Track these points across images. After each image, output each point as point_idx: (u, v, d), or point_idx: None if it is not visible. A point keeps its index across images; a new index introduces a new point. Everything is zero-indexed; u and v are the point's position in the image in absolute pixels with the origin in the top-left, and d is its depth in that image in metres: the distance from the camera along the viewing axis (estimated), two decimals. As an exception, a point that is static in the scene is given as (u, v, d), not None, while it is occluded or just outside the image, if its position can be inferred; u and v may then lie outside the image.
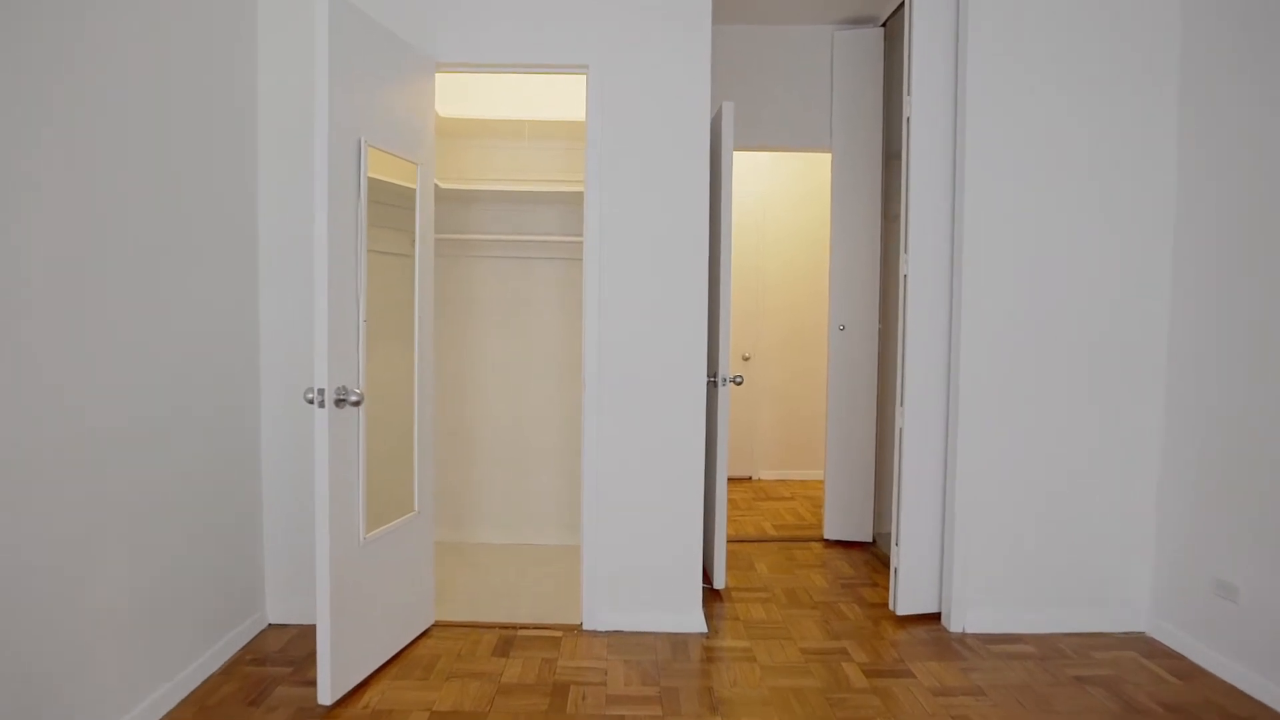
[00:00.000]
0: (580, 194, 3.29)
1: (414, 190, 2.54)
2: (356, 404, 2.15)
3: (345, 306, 2.16)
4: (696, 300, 2.78)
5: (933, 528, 2.91)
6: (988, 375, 2.76)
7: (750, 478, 5.53)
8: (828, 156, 4.17)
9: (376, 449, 2.35)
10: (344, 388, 2.14)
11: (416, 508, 2.57)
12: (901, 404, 2.90)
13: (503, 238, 3.61)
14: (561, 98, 3.63)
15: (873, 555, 3.75)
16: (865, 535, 3.94)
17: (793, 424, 5.56)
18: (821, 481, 5.43)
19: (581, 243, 2.83)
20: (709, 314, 2.85)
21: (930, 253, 2.84)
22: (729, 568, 3.49)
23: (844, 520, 3.94)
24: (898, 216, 4.01)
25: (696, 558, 2.84)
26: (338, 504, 2.13)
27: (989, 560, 2.80)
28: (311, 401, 2.07)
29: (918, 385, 2.86)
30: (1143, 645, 2.71)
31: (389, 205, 2.48)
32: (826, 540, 4.00)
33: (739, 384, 3.11)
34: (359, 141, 2.19)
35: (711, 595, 3.15)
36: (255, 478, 2.63)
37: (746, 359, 5.47)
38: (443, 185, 3.38)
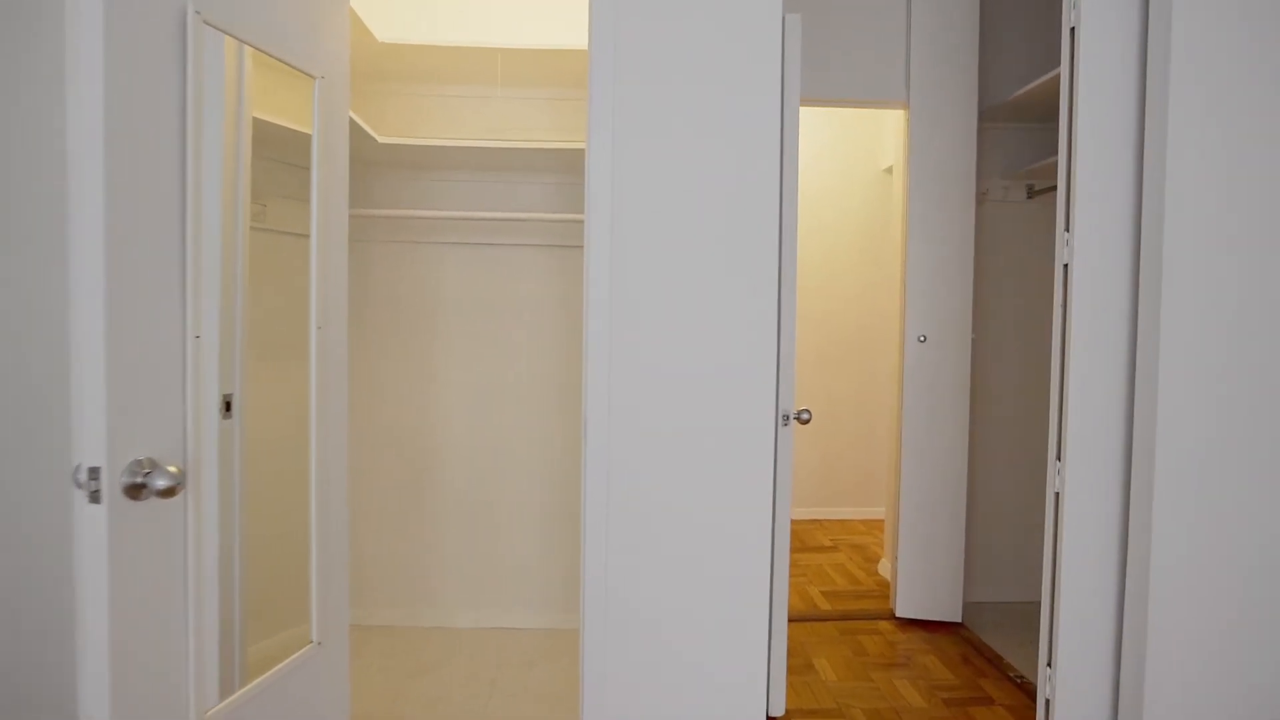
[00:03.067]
0: (579, 153, 2.33)
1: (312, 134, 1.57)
2: (168, 493, 1.16)
3: (154, 312, 1.18)
4: (763, 305, 1.82)
5: (1101, 639, 1.96)
6: (1194, 422, 1.81)
7: (779, 518, 4.58)
8: (895, 114, 3.22)
9: (249, 541, 1.39)
10: (149, 460, 1.16)
11: (316, 638, 1.59)
12: (1059, 458, 1.95)
13: (473, 215, 2.63)
14: (550, 18, 2.66)
15: (966, 644, 2.80)
16: (952, 613, 2.98)
17: (828, 454, 4.60)
18: (867, 523, 4.56)
19: (581, 222, 1.88)
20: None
21: (1106, 235, 1.89)
22: (782, 672, 2.54)
23: (922, 592, 2.99)
24: (989, 195, 3.10)
25: (758, 695, 1.87)
26: (137, 669, 1.16)
27: (1195, 693, 1.85)
28: (81, 487, 1.09)
29: (1085, 431, 1.91)
30: None
31: (282, 162, 1.53)
32: (899, 619, 3.04)
33: (805, 422, 2.16)
34: (185, 11, 1.21)
35: (767, 727, 2.20)
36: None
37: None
38: (383, 139, 2.41)
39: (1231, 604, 1.84)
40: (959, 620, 2.98)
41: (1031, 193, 3.18)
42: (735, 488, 1.83)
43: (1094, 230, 1.89)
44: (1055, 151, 3.16)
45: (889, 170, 4.39)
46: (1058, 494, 1.96)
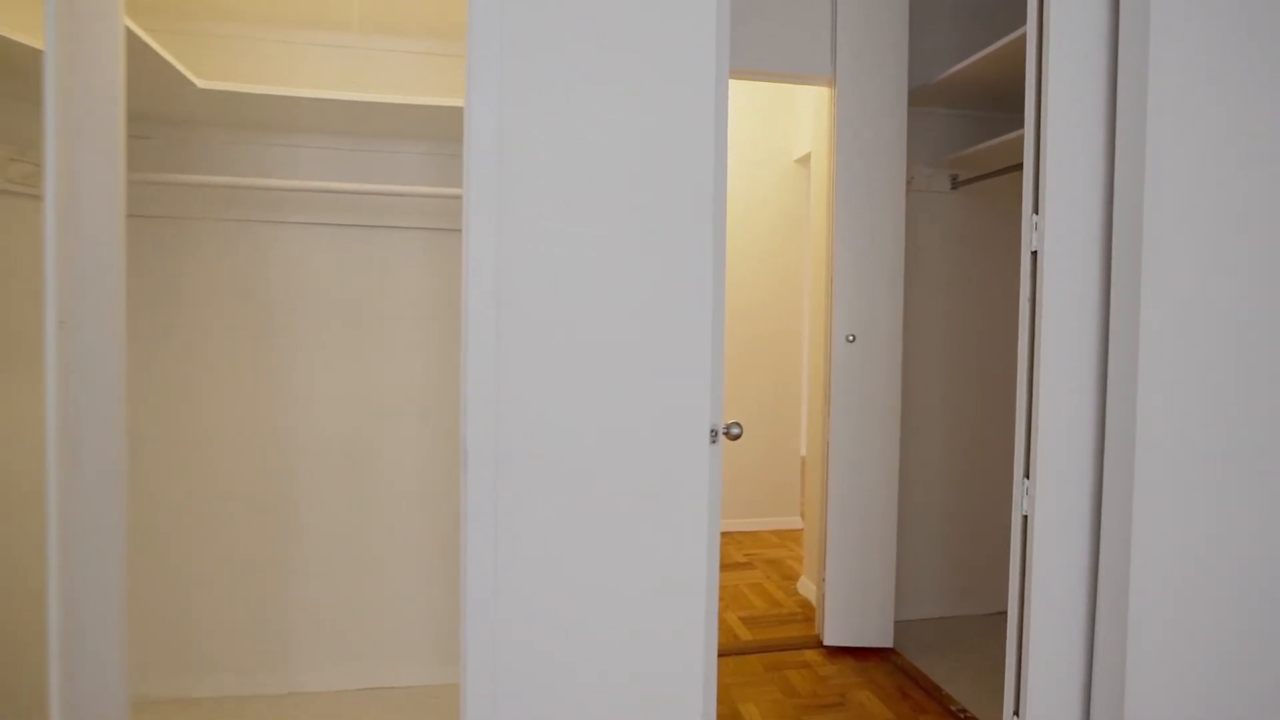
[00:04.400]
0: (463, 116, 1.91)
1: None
2: None
3: None
4: (693, 295, 1.45)
5: (1073, 685, 1.72)
6: (1177, 431, 1.59)
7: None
8: (808, 102, 2.96)
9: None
10: None
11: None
12: (1027, 475, 1.68)
13: (328, 188, 2.13)
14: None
15: (901, 672, 2.55)
16: (883, 637, 2.73)
17: (738, 461, 4.33)
18: (780, 534, 4.30)
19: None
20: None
21: (1079, 218, 1.64)
22: None
23: (851, 617, 2.72)
24: (913, 183, 2.86)
25: (689, 786, 1.50)
26: None
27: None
28: None
29: (1058, 444, 1.66)
30: None
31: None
32: (827, 647, 2.76)
33: (735, 437, 1.80)
34: None
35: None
36: None
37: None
38: (203, 84, 1.87)
39: (1224, 643, 1.64)
40: (890, 645, 2.73)
41: (956, 183, 2.99)
42: (658, 520, 1.46)
43: (1067, 212, 1.64)
44: (982, 139, 2.98)
45: (802, 161, 4.16)
46: (1025, 517, 1.70)
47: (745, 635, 2.88)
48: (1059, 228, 1.63)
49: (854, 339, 2.67)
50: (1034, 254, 1.66)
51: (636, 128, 1.41)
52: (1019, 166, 2.65)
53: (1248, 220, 1.59)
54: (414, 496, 2.38)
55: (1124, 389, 1.59)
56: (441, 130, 2.21)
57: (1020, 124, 3.02)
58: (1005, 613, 3.15)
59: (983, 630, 2.91)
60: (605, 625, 1.43)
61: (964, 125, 3.00)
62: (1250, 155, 1.59)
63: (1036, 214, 1.65)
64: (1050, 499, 1.66)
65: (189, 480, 2.24)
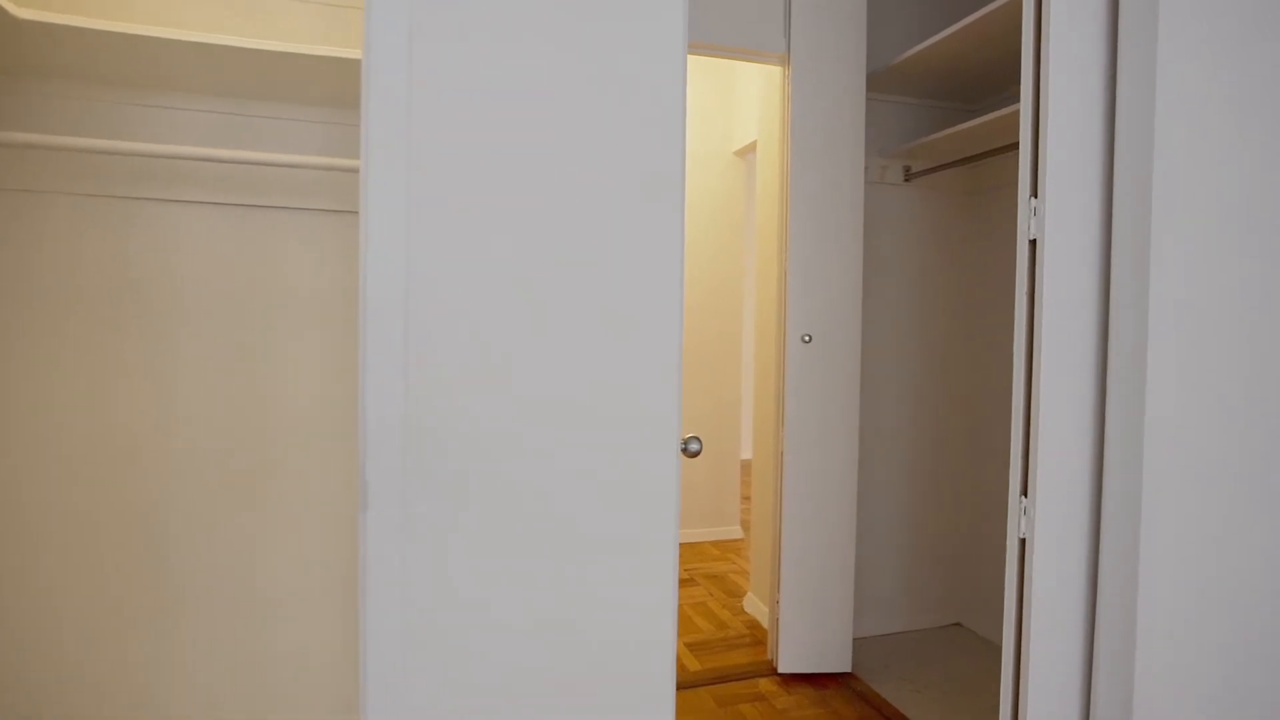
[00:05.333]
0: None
1: None
2: None
3: None
4: (658, 288, 1.18)
5: (1069, 696, 1.53)
6: (1189, 433, 1.43)
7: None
8: (751, 89, 2.75)
9: None
10: None
11: None
12: (1025, 493, 1.49)
13: (212, 155, 1.75)
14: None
15: (863, 700, 2.35)
16: (841, 661, 2.53)
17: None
18: (720, 545, 4.04)
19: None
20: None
21: (1077, 201, 1.46)
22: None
23: (808, 641, 2.51)
24: (866, 174, 2.65)
25: None
26: None
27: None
28: None
29: (1059, 457, 1.47)
30: None
31: None
32: (781, 675, 2.54)
33: (695, 454, 1.55)
34: None
35: None
36: None
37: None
38: (25, 14, 1.47)
39: (1236, 663, 1.48)
40: (849, 669, 2.53)
41: (909, 174, 2.83)
42: (618, 565, 1.18)
43: (1069, 196, 1.46)
44: (935, 129, 2.84)
45: (742, 152, 3.96)
46: (1023, 540, 1.50)
47: (694, 665, 2.62)
48: (1060, 213, 1.45)
49: (810, 340, 2.46)
50: (1032, 243, 1.47)
51: (588, 89, 1.13)
52: (976, 157, 2.50)
53: (1261, 203, 1.45)
54: (317, 524, 2.02)
55: (1129, 394, 1.42)
56: (344, 93, 1.86)
57: (973, 115, 2.92)
58: (959, 625, 3.03)
59: (939, 646, 2.76)
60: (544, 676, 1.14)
61: (916, 115, 2.85)
62: (1263, 128, 1.44)
63: (1035, 198, 1.46)
64: (1052, 519, 1.47)
65: (36, 503, 1.82)
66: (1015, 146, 2.35)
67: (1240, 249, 1.44)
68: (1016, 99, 2.65)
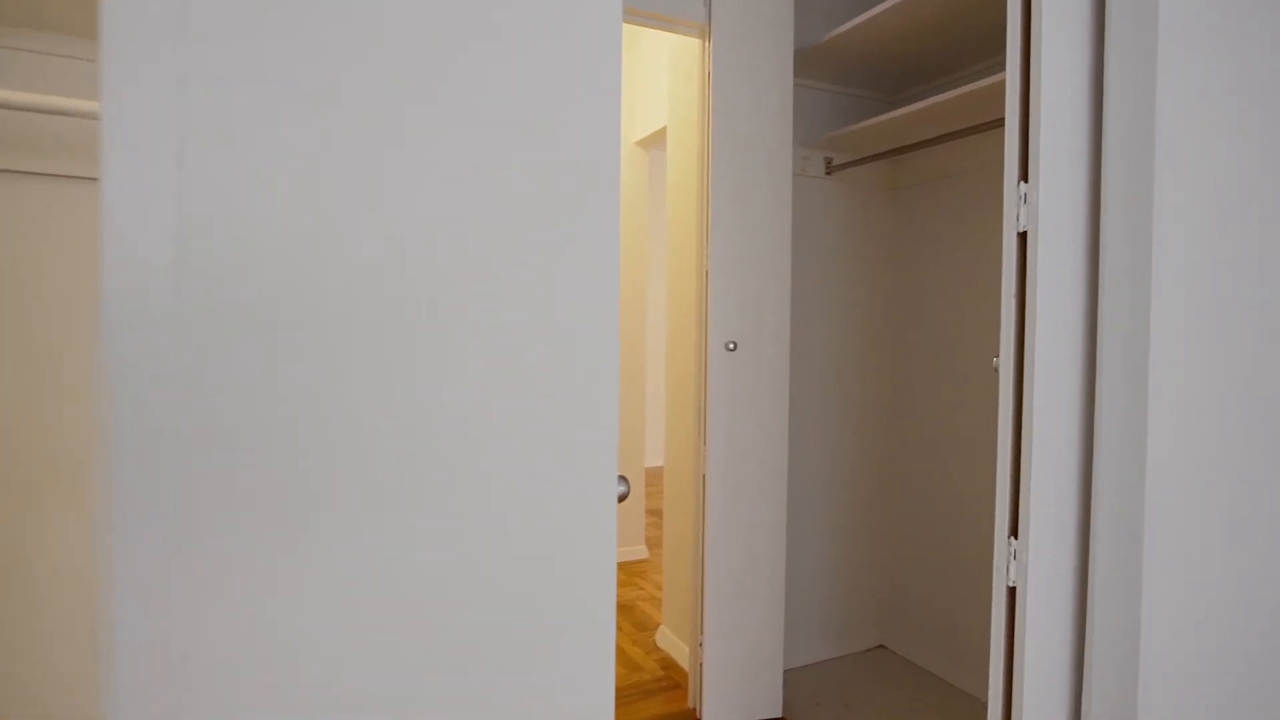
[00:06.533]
0: None
1: None
2: None
3: None
4: (598, 306, 0.84)
5: (1063, 795, 1.32)
6: (1194, 456, 1.24)
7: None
8: (653, 73, 2.47)
9: None
10: None
11: None
12: (1015, 534, 1.26)
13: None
14: None
15: (799, 752, 2.10)
16: (772, 704, 2.28)
17: (582, 486, 3.73)
18: (625, 568, 3.67)
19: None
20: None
21: (1066, 188, 1.25)
22: None
23: (734, 685, 2.24)
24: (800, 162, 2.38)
25: None
26: None
27: None
28: None
29: (1051, 487, 1.25)
30: None
31: None
32: (707, 725, 2.26)
33: (623, 498, 1.21)
34: None
35: None
36: None
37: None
38: None
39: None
40: (780, 715, 2.28)
41: (830, 167, 2.62)
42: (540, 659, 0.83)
43: (1060, 182, 1.24)
44: (856, 120, 2.65)
45: (645, 142, 3.66)
46: (1012, 589, 1.27)
47: None
48: (1053, 201, 1.23)
49: (735, 347, 2.19)
50: (1021, 235, 1.24)
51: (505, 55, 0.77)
52: (900, 150, 2.33)
53: (1260, 191, 1.28)
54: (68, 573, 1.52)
55: (1127, 417, 1.21)
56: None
57: (896, 105, 2.74)
58: (882, 647, 2.85)
59: (866, 673, 2.56)
60: None
61: (836, 104, 2.65)
62: (1262, 109, 1.28)
63: (1026, 182, 1.23)
64: (1044, 562, 1.25)
65: None
66: (940, 140, 2.18)
67: (1239, 245, 1.27)
68: (941, 91, 2.50)
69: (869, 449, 2.74)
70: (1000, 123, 1.99)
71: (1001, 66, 2.27)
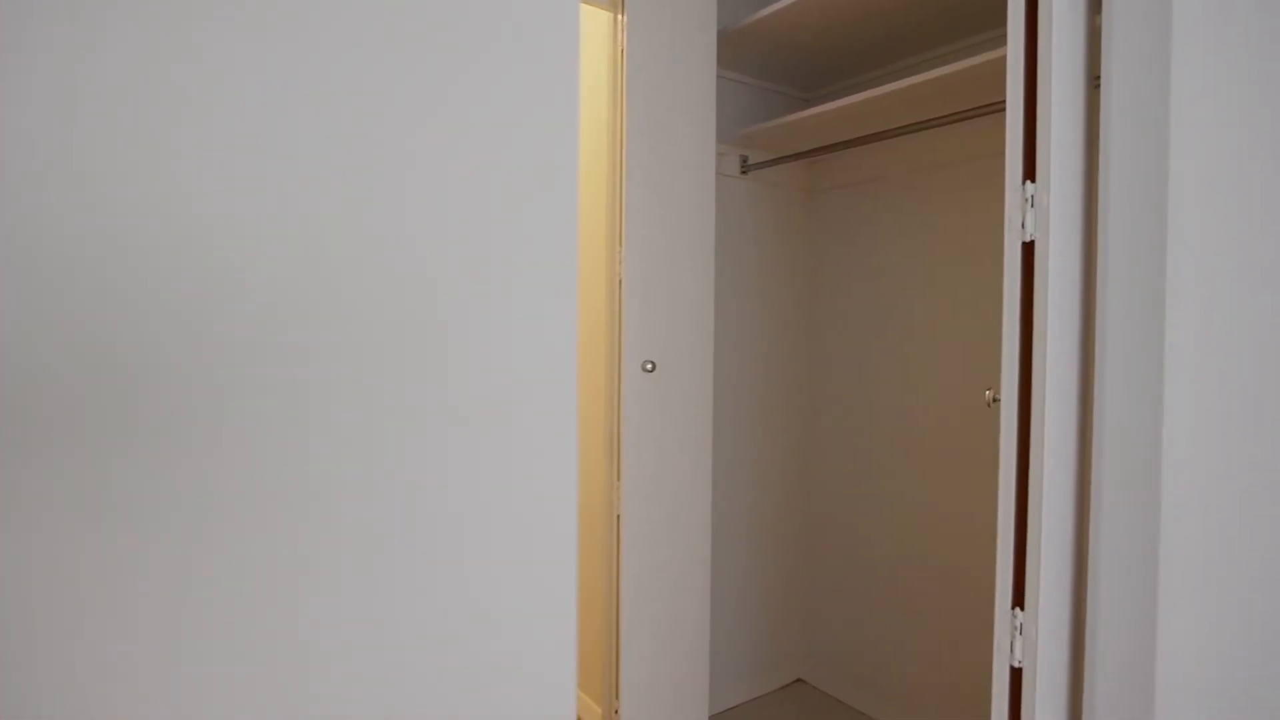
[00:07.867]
0: None
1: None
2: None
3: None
4: (556, 315, 0.53)
5: None
6: (1207, 495, 1.08)
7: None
8: (597, 21, 2.18)
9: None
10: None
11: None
12: (1019, 605, 1.05)
13: None
14: None
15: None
16: (697, 772, 2.01)
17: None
18: None
19: None
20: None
21: (1070, 191, 1.06)
22: None
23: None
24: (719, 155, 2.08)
25: None
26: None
27: None
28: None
29: (1058, 547, 1.05)
30: None
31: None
32: (626, 802, 1.96)
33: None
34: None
35: None
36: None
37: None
38: None
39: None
40: (707, 777, 2.02)
41: (745, 166, 2.41)
42: None
43: (1066, 184, 1.04)
44: (775, 115, 2.44)
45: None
46: (1017, 669, 1.06)
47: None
48: (1059, 205, 1.02)
49: (654, 368, 1.91)
50: (1027, 245, 1.03)
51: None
52: (820, 150, 2.14)
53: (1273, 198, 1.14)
54: None
55: (1134, 447, 1.03)
56: None
57: (818, 102, 2.56)
58: (800, 681, 2.66)
59: (789, 712, 2.36)
60: None
61: (753, 98, 2.43)
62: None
63: (1033, 182, 1.02)
64: (1050, 633, 1.04)
65: None
66: (858, 142, 2.00)
67: (1261, 254, 1.13)
68: (861, 90, 2.34)
69: (788, 477, 2.55)
70: (929, 124, 1.83)
71: (936, 62, 2.12)
